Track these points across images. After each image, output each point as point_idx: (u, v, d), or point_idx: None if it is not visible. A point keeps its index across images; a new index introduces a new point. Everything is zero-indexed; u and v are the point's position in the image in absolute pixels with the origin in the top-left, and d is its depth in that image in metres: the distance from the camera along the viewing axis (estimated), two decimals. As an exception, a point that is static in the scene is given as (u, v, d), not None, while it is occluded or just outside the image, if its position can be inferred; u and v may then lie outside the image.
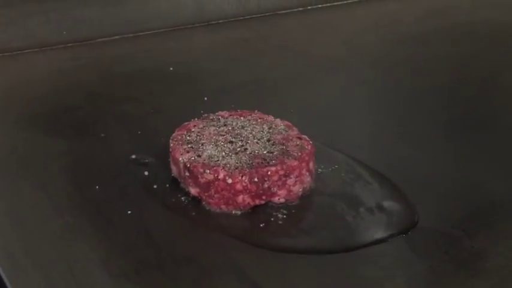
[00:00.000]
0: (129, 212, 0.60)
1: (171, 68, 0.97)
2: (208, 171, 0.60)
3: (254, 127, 0.68)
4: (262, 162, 0.62)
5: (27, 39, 1.01)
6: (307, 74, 0.97)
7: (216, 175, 0.60)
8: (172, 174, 0.65)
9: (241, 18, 1.15)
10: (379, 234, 0.59)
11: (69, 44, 1.05)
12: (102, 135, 0.76)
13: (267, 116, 0.72)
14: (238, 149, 0.64)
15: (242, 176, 0.60)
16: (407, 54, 1.03)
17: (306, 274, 0.54)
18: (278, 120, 0.71)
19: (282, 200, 0.62)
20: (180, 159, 0.63)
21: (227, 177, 0.60)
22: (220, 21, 1.13)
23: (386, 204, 0.63)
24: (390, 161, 0.71)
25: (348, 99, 0.90)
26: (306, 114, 0.83)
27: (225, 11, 1.14)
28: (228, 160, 0.62)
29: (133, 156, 0.70)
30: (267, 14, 1.17)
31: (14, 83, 0.91)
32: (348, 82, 0.95)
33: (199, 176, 0.61)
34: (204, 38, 1.10)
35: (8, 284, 0.50)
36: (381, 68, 0.98)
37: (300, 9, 1.20)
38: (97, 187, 0.64)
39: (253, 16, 1.16)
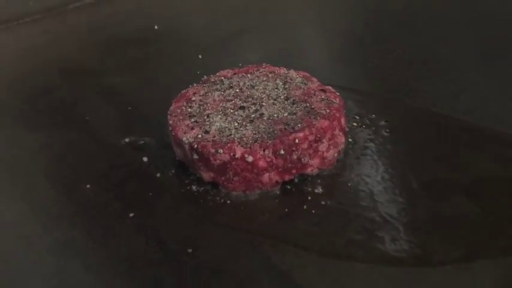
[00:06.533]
0: (131, 214, 0.48)
1: (156, 27, 0.83)
2: (221, 150, 0.48)
3: (266, 84, 0.56)
4: (285, 128, 0.49)
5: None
6: (306, 15, 0.84)
7: (231, 153, 0.48)
8: (177, 158, 0.53)
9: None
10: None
11: (37, 16, 0.91)
12: (87, 118, 0.63)
13: (278, 68, 0.59)
14: (253, 115, 0.51)
15: (264, 150, 0.48)
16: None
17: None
18: (293, 72, 0.58)
19: (316, 171, 0.50)
20: (184, 138, 0.50)
21: (246, 155, 0.47)
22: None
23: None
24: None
25: (360, 34, 0.76)
26: (318, 57, 0.70)
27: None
28: (243, 132, 0.49)
29: (127, 140, 0.58)
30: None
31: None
32: (355, 14, 0.82)
33: (211, 158, 0.48)
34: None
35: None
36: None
37: None
38: (88, 186, 0.52)
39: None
